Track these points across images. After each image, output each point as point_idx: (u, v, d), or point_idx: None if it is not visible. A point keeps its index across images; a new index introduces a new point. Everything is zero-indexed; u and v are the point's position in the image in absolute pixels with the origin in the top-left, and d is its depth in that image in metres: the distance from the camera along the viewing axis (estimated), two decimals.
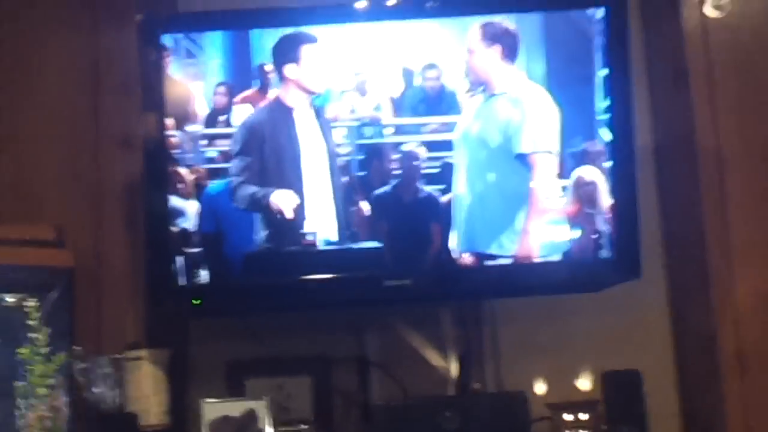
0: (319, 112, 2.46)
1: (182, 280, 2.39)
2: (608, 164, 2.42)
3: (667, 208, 2.77)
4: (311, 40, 2.43)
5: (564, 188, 2.42)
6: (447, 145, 2.45)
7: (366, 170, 2.45)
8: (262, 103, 2.45)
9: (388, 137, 2.45)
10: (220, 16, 2.54)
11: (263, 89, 2.46)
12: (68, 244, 2.44)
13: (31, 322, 2.25)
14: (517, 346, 2.73)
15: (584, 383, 2.63)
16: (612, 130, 2.42)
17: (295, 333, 2.67)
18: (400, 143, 2.44)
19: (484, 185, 2.43)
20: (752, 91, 2.58)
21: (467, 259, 2.42)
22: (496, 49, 2.43)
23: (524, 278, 2.45)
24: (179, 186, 2.40)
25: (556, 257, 2.43)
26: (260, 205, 2.39)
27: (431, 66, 2.47)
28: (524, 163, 2.41)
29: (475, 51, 2.44)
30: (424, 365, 2.59)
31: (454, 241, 2.43)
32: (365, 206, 2.43)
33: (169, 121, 2.40)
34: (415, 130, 2.45)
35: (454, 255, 2.43)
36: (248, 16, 2.52)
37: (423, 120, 2.46)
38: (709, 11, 2.58)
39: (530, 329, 2.74)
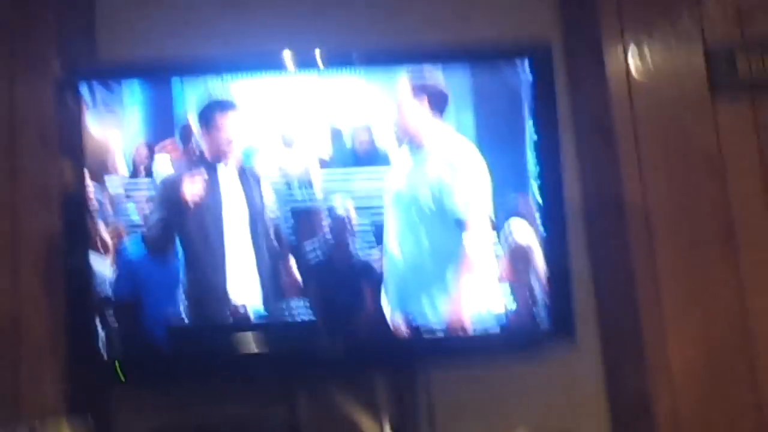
0: (244, 171, 2.40)
1: (104, 350, 2.30)
2: (540, 227, 2.39)
3: (597, 269, 2.72)
4: (231, 107, 2.37)
5: (498, 250, 2.38)
6: (379, 205, 2.40)
7: (295, 233, 2.39)
8: (183, 156, 2.38)
9: (318, 199, 2.39)
10: (140, 65, 2.47)
11: (184, 140, 2.39)
12: None
13: None
14: (453, 412, 2.65)
15: None
16: (541, 186, 2.39)
17: (224, 401, 2.56)
18: (330, 205, 2.39)
19: (416, 246, 2.37)
20: (677, 149, 2.62)
21: (401, 326, 2.37)
22: (424, 102, 2.39)
23: (459, 347, 2.38)
24: (99, 246, 2.31)
25: (491, 324, 2.38)
26: (174, 262, 2.32)
27: (361, 127, 2.43)
28: (455, 223, 2.36)
29: (403, 104, 2.40)
30: None
31: (386, 307, 2.38)
32: (295, 271, 2.37)
33: (88, 175, 2.32)
34: (345, 189, 2.39)
35: (388, 321, 2.38)
36: (169, 65, 2.45)
37: (354, 178, 2.41)
38: (633, 65, 2.60)
39: (466, 394, 2.65)
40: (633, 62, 2.64)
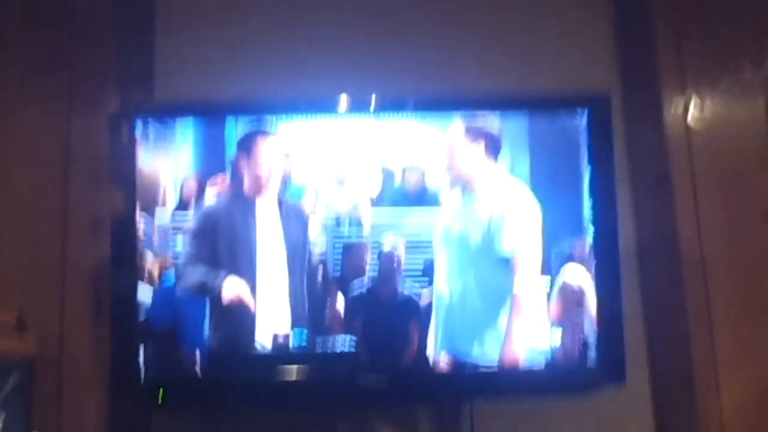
0: (284, 207, 2.40)
1: (146, 374, 2.31)
2: (593, 270, 2.37)
3: (651, 313, 2.69)
4: (269, 133, 2.39)
5: (548, 291, 2.36)
6: (428, 243, 2.39)
7: (341, 268, 2.38)
8: (225, 189, 2.39)
9: (367, 234, 2.38)
10: (195, 104, 2.50)
11: (234, 179, 2.40)
12: (30, 329, 2.36)
13: None
14: None
15: None
16: (596, 232, 2.38)
17: (263, 428, 2.54)
18: (379, 241, 2.37)
19: (465, 285, 2.35)
20: (735, 198, 2.55)
21: (446, 362, 2.34)
22: (479, 146, 2.38)
23: (506, 383, 2.36)
24: (146, 275, 2.32)
25: (539, 362, 2.35)
26: (207, 293, 2.32)
27: (414, 168, 2.43)
28: (506, 264, 2.34)
29: (456, 148, 2.39)
30: None
31: (433, 343, 2.36)
32: (339, 304, 2.35)
33: (138, 209, 2.34)
34: (395, 226, 2.38)
35: (433, 357, 2.35)
36: (226, 107, 2.47)
37: (403, 216, 2.40)
38: (692, 116, 2.56)
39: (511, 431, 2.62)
40: (692, 113, 2.59)
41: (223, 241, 2.35)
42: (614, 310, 2.36)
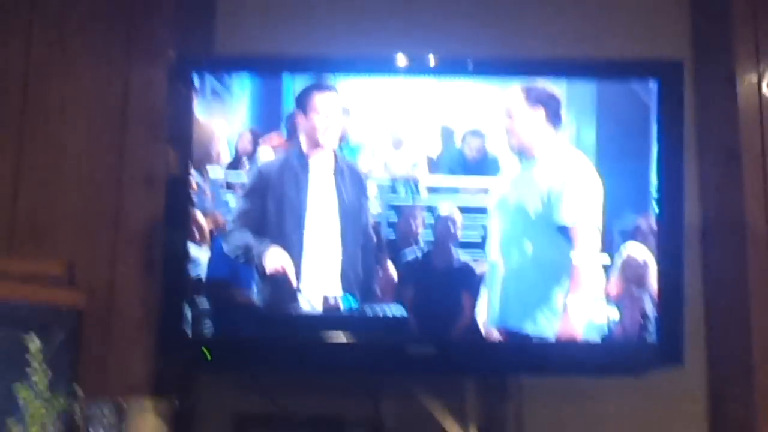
0: (339, 166, 2.35)
1: (193, 332, 2.29)
2: (656, 246, 2.30)
3: (711, 293, 2.64)
4: (328, 88, 2.34)
5: (608, 266, 2.29)
6: (484, 211, 2.33)
7: (396, 232, 2.33)
8: (281, 147, 2.35)
9: (423, 199, 2.33)
10: (254, 59, 2.45)
11: (291, 136, 2.36)
12: (79, 282, 2.38)
13: (33, 364, 2.12)
14: (542, 427, 2.58)
15: None
16: (661, 207, 2.30)
17: (308, 391, 2.52)
18: (435, 206, 2.33)
19: (521, 256, 2.30)
20: None
21: (498, 334, 2.30)
22: (540, 113, 2.32)
23: (558, 359, 2.30)
24: (196, 232, 2.30)
25: (595, 339, 2.30)
26: (252, 261, 2.29)
27: (475, 133, 2.36)
28: (565, 236, 2.28)
29: (517, 114, 2.32)
30: None
31: (484, 313, 2.31)
32: (391, 268, 2.31)
33: (193, 163, 2.31)
34: (452, 192, 2.33)
35: (484, 328, 2.30)
36: (284, 63, 2.42)
37: (461, 182, 2.34)
38: (766, 91, 2.47)
39: (558, 409, 2.59)
40: (766, 86, 2.50)
41: (274, 200, 2.30)
42: (675, 289, 2.29)
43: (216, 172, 2.32)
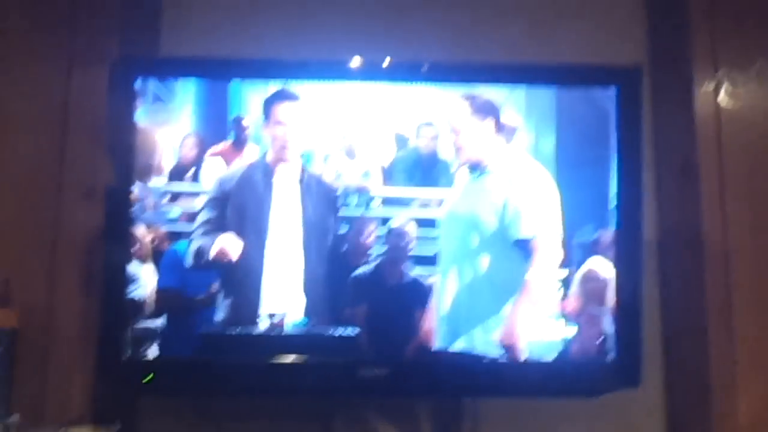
0: (303, 176, 2.30)
1: (133, 353, 2.22)
2: (615, 260, 2.28)
3: (669, 310, 2.60)
4: (292, 98, 2.29)
5: (565, 281, 2.26)
6: (436, 224, 2.30)
7: (347, 245, 2.29)
8: (242, 160, 2.30)
9: (375, 210, 2.29)
10: (202, 64, 2.38)
11: (238, 144, 2.33)
12: (14, 301, 2.27)
13: None
14: None
15: None
16: (619, 219, 2.28)
17: (256, 417, 2.46)
18: (388, 218, 2.28)
19: (474, 272, 2.26)
20: (763, 188, 2.46)
21: (452, 354, 2.25)
22: (489, 123, 2.28)
23: (513, 379, 2.27)
24: (137, 248, 2.23)
25: (551, 358, 2.27)
26: (204, 255, 2.22)
27: (428, 124, 2.34)
28: (523, 250, 2.24)
29: (463, 127, 2.28)
30: None
31: (438, 333, 2.26)
32: (343, 285, 2.26)
33: (134, 173, 2.24)
34: (405, 203, 2.30)
35: (437, 347, 2.26)
36: (231, 66, 2.37)
37: (414, 193, 2.31)
38: (723, 100, 2.44)
39: (514, 428, 2.52)
40: (723, 97, 2.47)
41: (236, 212, 2.26)
42: (633, 306, 2.27)
43: (159, 182, 2.26)
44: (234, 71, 2.34)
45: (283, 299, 2.23)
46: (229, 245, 2.21)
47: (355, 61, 2.31)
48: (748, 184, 2.44)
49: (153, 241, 2.24)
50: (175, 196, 2.28)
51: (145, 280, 2.23)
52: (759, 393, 2.35)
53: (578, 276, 2.27)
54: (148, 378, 2.21)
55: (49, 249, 2.30)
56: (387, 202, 2.29)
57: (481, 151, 2.28)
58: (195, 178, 2.29)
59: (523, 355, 2.23)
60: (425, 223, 2.28)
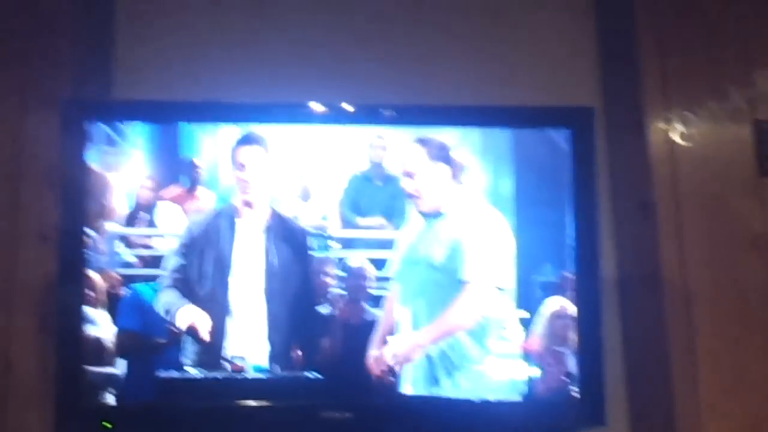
0: (272, 221, 2.28)
1: (92, 398, 2.18)
2: (574, 299, 2.28)
3: (631, 348, 2.61)
4: (256, 142, 2.27)
5: (525, 321, 2.26)
6: (390, 265, 2.30)
7: (306, 287, 2.27)
8: (196, 203, 2.30)
9: (334, 251, 2.28)
10: (151, 107, 2.37)
11: (191, 187, 2.31)
12: None
13: None
14: None
15: None
16: (577, 259, 2.28)
17: None
18: (345, 262, 2.29)
19: (430, 311, 2.24)
20: (720, 225, 2.46)
21: (414, 393, 2.23)
22: (444, 168, 2.28)
23: (476, 419, 2.24)
24: (89, 294, 2.19)
25: (515, 398, 2.26)
26: (171, 319, 2.21)
27: (381, 182, 2.36)
28: (459, 285, 2.24)
29: (419, 171, 2.28)
30: None
31: (400, 374, 2.25)
32: (303, 326, 2.24)
33: (87, 218, 2.21)
34: (362, 245, 2.30)
35: (400, 388, 2.23)
36: (180, 110, 2.36)
37: (371, 234, 2.30)
38: (677, 138, 2.46)
39: None
40: (677, 135, 2.50)
41: (202, 259, 2.25)
42: (595, 345, 2.27)
43: (112, 227, 2.24)
44: (185, 114, 2.33)
45: (246, 343, 2.21)
46: (197, 320, 2.20)
47: (309, 104, 2.30)
48: (705, 220, 2.44)
49: (108, 285, 2.20)
50: (129, 241, 2.25)
51: (101, 324, 2.19)
52: (724, 426, 2.34)
53: (546, 314, 2.26)
54: (109, 424, 2.16)
55: (5, 292, 2.25)
56: (345, 243, 2.28)
57: (436, 197, 2.28)
58: (150, 223, 2.27)
59: (488, 397, 2.23)
60: (383, 264, 2.28)
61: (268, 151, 2.27)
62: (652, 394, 2.49)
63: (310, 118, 2.29)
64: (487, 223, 2.26)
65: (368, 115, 2.32)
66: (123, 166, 2.26)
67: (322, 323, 2.25)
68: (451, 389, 2.22)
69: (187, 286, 2.22)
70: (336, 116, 2.31)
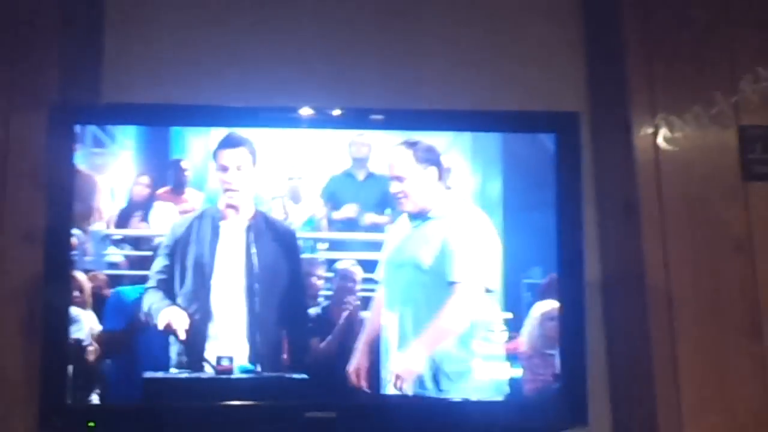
0: (256, 222, 2.28)
1: (76, 398, 2.17)
2: (558, 301, 2.28)
3: (613, 348, 2.63)
4: (239, 143, 2.27)
5: (512, 323, 2.26)
6: (379, 267, 2.29)
7: (294, 288, 2.26)
8: (184, 204, 2.29)
9: (322, 252, 2.29)
10: (141, 110, 2.36)
11: (177, 188, 2.32)
12: None
13: None
14: None
15: None
16: (561, 262, 2.28)
17: None
18: (334, 260, 2.28)
19: (418, 313, 2.25)
20: (703, 228, 2.48)
21: (399, 393, 2.23)
22: (432, 171, 2.29)
23: (458, 419, 2.24)
24: (75, 294, 2.19)
25: (497, 398, 2.26)
26: (153, 320, 2.22)
27: (369, 185, 2.36)
28: (448, 288, 2.24)
29: (408, 174, 2.28)
30: None
31: (385, 373, 2.25)
32: (290, 328, 2.24)
33: (74, 221, 2.20)
34: (350, 246, 2.30)
35: (386, 389, 2.24)
36: (170, 113, 2.35)
37: (359, 236, 2.31)
38: (662, 143, 2.48)
39: None
40: (662, 140, 2.52)
41: (186, 259, 2.25)
42: (578, 345, 2.27)
43: (100, 228, 2.23)
44: (172, 118, 2.33)
45: (231, 344, 2.21)
46: (175, 320, 2.20)
47: (299, 109, 2.30)
48: (689, 223, 2.46)
49: (94, 285, 2.20)
50: (118, 241, 2.25)
51: (86, 324, 2.19)
52: (705, 430, 2.35)
53: (536, 316, 2.27)
54: (92, 424, 2.16)
55: None
56: (333, 245, 2.29)
57: (424, 200, 2.29)
58: (144, 219, 2.28)
59: (471, 396, 2.23)
60: (370, 266, 2.27)
61: (253, 153, 2.26)
62: (634, 394, 2.50)
63: (298, 122, 2.30)
64: (474, 225, 2.27)
65: (356, 118, 2.33)
66: (111, 167, 2.26)
67: (308, 324, 2.25)
68: (434, 389, 2.22)
69: (170, 287, 2.22)
70: (324, 120, 2.31)
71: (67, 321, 2.16)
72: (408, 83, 2.73)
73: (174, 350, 2.21)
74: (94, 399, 2.18)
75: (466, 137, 2.35)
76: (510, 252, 2.26)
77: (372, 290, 2.27)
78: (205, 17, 2.75)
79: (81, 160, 2.22)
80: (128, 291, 2.23)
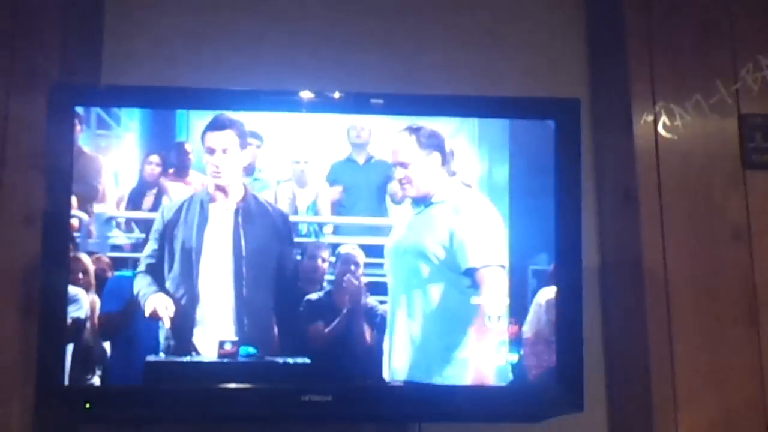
0: (244, 203, 2.26)
1: (73, 380, 2.16)
2: (556, 287, 2.28)
3: (610, 334, 2.64)
4: (227, 125, 2.25)
5: (517, 308, 2.25)
6: (384, 254, 2.28)
7: (296, 272, 2.26)
8: (187, 187, 2.27)
9: (326, 237, 2.28)
10: (143, 92, 2.35)
11: (181, 170, 2.30)
12: None
13: None
14: None
15: None
16: (558, 248, 2.28)
17: None
18: (338, 244, 2.27)
19: (424, 300, 2.24)
20: (702, 216, 2.50)
21: (399, 379, 2.23)
22: (435, 156, 2.28)
23: (459, 403, 2.24)
24: (79, 276, 2.17)
25: (496, 384, 2.25)
26: (142, 305, 2.21)
27: (373, 171, 2.34)
28: (471, 279, 2.23)
29: (411, 160, 2.28)
30: None
31: (387, 358, 2.25)
32: (292, 312, 2.23)
33: (73, 203, 2.19)
34: (354, 234, 2.28)
35: (385, 373, 2.24)
36: (172, 96, 2.35)
37: (362, 220, 2.30)
38: (662, 131, 2.48)
39: None
40: (662, 128, 2.52)
41: (176, 243, 2.23)
42: (575, 332, 2.27)
43: (100, 211, 2.22)
44: (172, 100, 2.32)
45: (218, 327, 2.21)
46: (161, 307, 2.19)
47: (302, 92, 2.29)
48: (688, 211, 2.48)
49: (95, 267, 2.19)
50: (116, 224, 2.24)
51: (87, 306, 2.18)
52: (700, 415, 2.38)
53: (542, 302, 2.27)
54: (86, 406, 2.15)
55: None
56: (337, 229, 2.29)
57: (427, 185, 2.28)
58: (158, 199, 2.27)
59: (476, 382, 2.23)
60: (376, 251, 2.27)
61: (241, 136, 2.25)
62: (630, 381, 2.52)
63: (299, 105, 2.28)
64: (479, 210, 2.27)
65: (357, 103, 2.32)
66: (113, 149, 2.24)
67: (307, 308, 2.24)
68: (433, 374, 2.23)
69: (159, 271, 2.21)
70: (325, 104, 2.30)
71: (65, 303, 2.15)
72: (409, 68, 2.73)
73: (162, 334, 2.21)
74: (93, 380, 2.18)
75: (472, 123, 2.33)
76: (516, 238, 2.26)
77: (375, 275, 2.26)
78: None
79: (85, 142, 2.21)
80: (129, 274, 2.22)
